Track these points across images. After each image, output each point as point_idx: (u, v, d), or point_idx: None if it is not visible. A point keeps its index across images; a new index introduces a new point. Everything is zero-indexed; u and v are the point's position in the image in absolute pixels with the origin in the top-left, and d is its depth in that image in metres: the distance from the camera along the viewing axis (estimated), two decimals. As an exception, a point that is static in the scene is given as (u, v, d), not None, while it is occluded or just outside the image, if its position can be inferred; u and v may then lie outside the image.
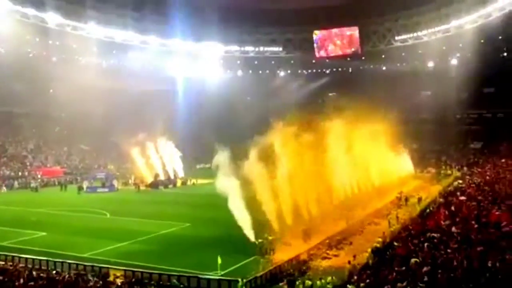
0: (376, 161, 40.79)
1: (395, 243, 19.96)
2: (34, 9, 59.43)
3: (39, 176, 57.87)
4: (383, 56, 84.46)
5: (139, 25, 75.17)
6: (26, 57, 70.54)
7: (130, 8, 70.55)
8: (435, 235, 18.31)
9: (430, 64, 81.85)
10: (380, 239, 22.02)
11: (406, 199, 36.65)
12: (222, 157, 25.46)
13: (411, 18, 75.55)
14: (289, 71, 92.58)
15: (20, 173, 57.69)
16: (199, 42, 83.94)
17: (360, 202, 33.78)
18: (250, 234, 23.82)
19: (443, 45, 72.77)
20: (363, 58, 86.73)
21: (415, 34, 75.53)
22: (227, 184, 23.59)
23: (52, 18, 61.88)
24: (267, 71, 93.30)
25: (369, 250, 20.46)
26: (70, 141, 70.85)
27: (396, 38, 78.64)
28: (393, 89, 70.12)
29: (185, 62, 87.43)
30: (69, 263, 21.04)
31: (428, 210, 29.24)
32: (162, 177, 55.75)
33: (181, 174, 58.47)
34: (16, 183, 54.47)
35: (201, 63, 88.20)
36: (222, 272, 20.37)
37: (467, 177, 43.49)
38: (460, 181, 40.10)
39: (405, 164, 52.46)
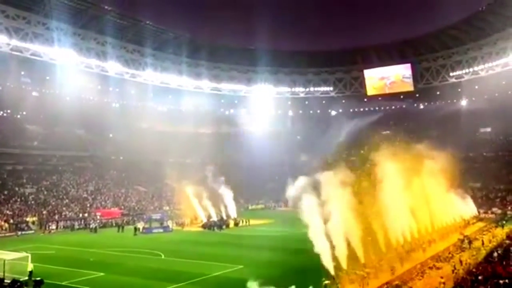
0: (436, 202, 38.87)
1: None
2: (96, 59, 63.88)
3: (98, 217, 59.83)
4: (437, 93, 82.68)
5: (193, 71, 78.45)
6: (89, 104, 75.27)
7: (185, 55, 73.82)
8: (506, 281, 17.01)
9: (488, 99, 76.48)
10: (442, 285, 20.70)
11: (470, 242, 34.44)
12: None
13: (466, 53, 73.92)
14: (340, 110, 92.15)
15: (80, 215, 59.87)
16: (251, 85, 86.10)
17: (419, 244, 32.12)
18: (304, 277, 23.11)
19: (502, 80, 70.19)
20: (416, 95, 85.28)
21: (471, 70, 73.74)
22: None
23: (112, 66, 66.20)
24: (318, 111, 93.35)
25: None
26: (128, 183, 73.28)
27: (451, 74, 76.87)
28: (449, 127, 67.93)
29: (236, 104, 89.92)
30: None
31: (495, 254, 27.28)
32: (214, 218, 56.01)
33: (233, 215, 58.54)
34: (76, 224, 56.52)
35: (253, 106, 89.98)
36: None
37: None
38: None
39: (468, 205, 49.75)
